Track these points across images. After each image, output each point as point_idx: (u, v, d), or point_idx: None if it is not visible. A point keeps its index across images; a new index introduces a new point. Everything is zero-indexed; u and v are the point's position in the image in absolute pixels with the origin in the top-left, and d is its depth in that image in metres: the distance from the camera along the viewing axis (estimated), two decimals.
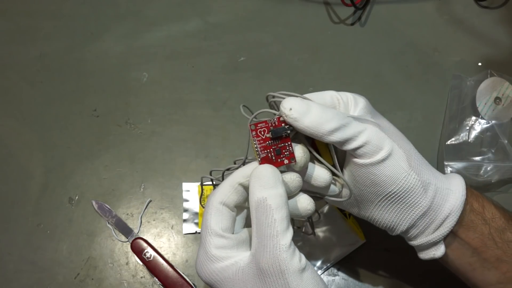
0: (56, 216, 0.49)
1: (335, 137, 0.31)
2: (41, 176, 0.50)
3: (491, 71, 0.51)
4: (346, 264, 0.47)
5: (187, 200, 0.49)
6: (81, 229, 0.48)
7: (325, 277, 0.46)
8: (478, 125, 0.50)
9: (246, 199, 0.33)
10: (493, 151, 0.49)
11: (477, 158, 0.48)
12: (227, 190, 0.32)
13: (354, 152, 0.33)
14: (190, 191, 0.50)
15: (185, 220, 0.49)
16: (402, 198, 0.33)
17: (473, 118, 0.50)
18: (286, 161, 0.33)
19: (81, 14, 0.58)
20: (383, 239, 0.47)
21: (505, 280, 0.34)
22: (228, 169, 0.36)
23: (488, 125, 0.49)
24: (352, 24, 0.57)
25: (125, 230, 0.48)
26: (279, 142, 0.33)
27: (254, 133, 0.33)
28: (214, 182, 0.39)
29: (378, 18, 0.57)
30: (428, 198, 0.33)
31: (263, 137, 0.33)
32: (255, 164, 0.33)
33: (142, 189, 0.50)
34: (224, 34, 0.57)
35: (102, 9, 0.58)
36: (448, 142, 0.49)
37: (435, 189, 0.33)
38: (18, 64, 0.55)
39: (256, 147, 0.33)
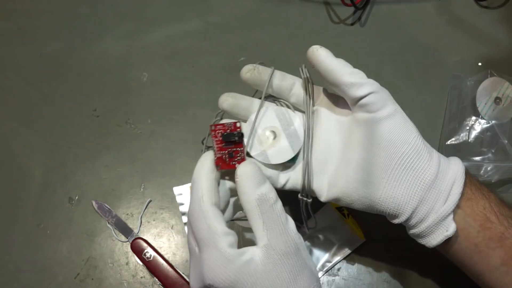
0: (56, 216, 0.49)
1: (352, 78, 0.35)
2: (41, 176, 0.50)
3: (491, 71, 0.51)
4: (346, 264, 0.47)
5: (182, 204, 0.49)
6: (81, 229, 0.48)
7: (325, 278, 0.46)
8: (478, 125, 0.50)
9: (227, 194, 0.36)
10: (493, 151, 0.49)
11: (477, 158, 0.48)
12: (210, 191, 0.33)
13: (360, 103, 0.35)
14: (183, 194, 0.49)
15: (185, 223, 0.49)
16: (412, 163, 0.34)
17: (473, 118, 0.50)
18: (237, 165, 0.34)
19: (81, 14, 0.58)
20: (383, 238, 0.47)
21: (508, 259, 0.34)
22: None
23: (488, 125, 0.49)
24: (352, 24, 0.57)
25: (125, 230, 0.48)
26: (232, 146, 0.34)
27: (213, 133, 0.34)
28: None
29: (378, 18, 0.57)
30: (434, 164, 0.34)
31: (219, 139, 0.34)
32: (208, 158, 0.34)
33: (142, 189, 0.50)
34: (224, 34, 0.57)
35: (102, 9, 0.58)
36: (448, 142, 0.49)
37: (438, 155, 0.35)
38: (18, 64, 0.55)
39: (214, 147, 0.34)
